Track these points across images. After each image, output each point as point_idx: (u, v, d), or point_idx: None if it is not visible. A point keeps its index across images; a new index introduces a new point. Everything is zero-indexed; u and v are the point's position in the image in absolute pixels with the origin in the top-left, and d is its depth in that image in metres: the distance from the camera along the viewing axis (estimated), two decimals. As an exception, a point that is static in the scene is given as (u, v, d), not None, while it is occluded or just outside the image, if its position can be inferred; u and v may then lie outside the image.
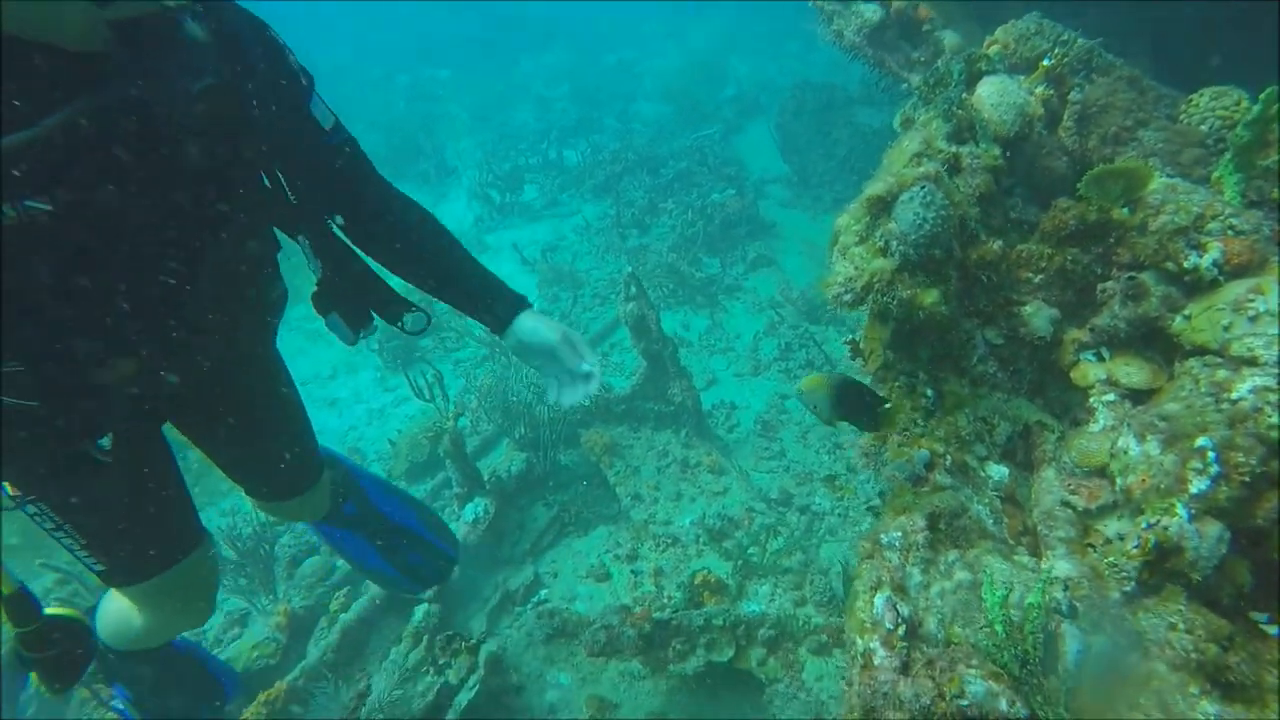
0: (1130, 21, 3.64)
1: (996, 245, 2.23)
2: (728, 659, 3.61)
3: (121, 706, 2.72)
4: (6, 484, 1.73)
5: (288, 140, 1.79)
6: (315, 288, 2.04)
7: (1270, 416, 1.86)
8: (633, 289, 4.97)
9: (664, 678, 3.89)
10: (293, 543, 4.86)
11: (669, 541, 4.28)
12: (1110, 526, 2.00)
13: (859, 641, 1.68)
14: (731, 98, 12.27)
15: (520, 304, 2.03)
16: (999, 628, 1.55)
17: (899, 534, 1.85)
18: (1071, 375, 2.27)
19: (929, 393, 2.25)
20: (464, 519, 4.62)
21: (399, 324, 2.05)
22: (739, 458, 5.08)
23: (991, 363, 2.37)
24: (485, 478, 4.79)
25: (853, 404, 2.01)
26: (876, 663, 1.61)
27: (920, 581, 1.81)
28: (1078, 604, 1.86)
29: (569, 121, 12.03)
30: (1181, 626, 1.74)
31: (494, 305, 2.02)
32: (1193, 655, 1.71)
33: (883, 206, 2.04)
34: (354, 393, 6.65)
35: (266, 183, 1.82)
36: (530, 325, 1.99)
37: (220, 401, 2.13)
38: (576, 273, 7.45)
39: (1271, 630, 1.85)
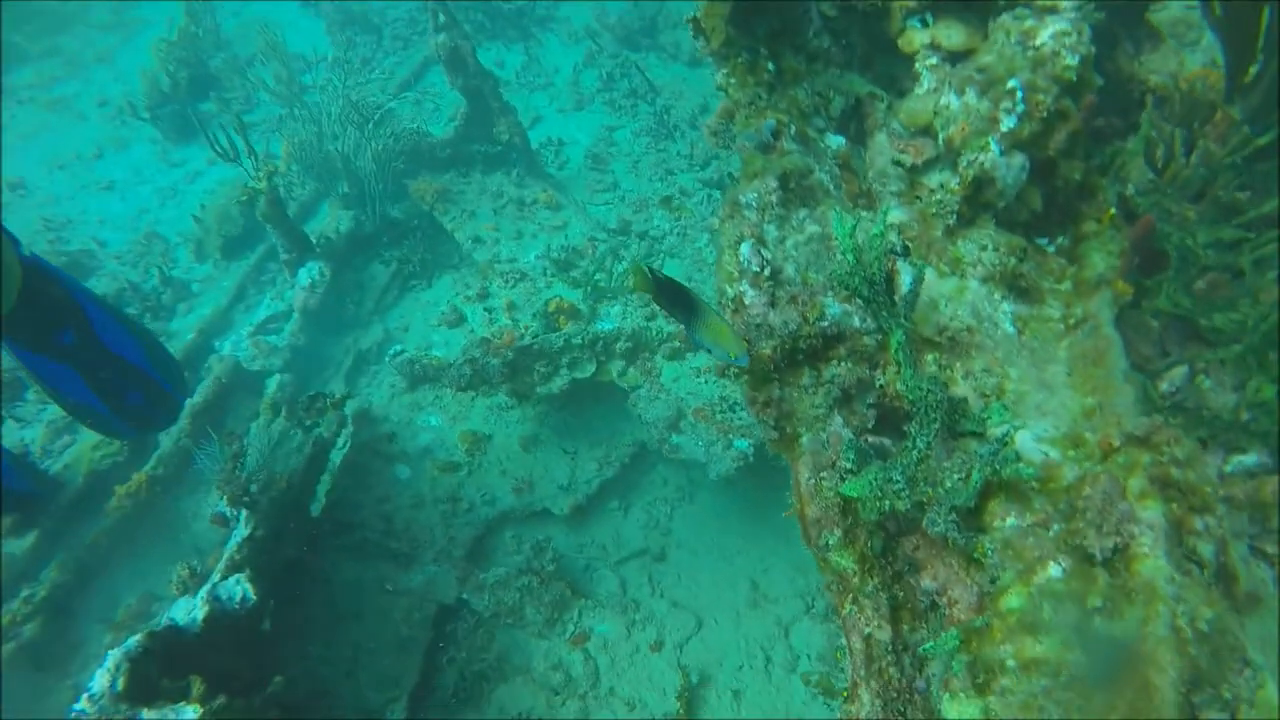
0: None
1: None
2: (590, 374, 3.84)
3: None
4: None
5: None
6: None
7: (1066, 59, 2.07)
8: (440, 18, 4.51)
9: (531, 404, 4.10)
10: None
11: (517, 277, 4.31)
12: (934, 178, 2.22)
13: (729, 290, 1.82)
14: None
15: None
16: (849, 256, 1.73)
17: (755, 194, 1.96)
18: (899, 43, 2.36)
19: (770, 66, 2.29)
20: (299, 284, 4.38)
21: None
22: (574, 192, 5.05)
23: (825, 36, 2.42)
24: (314, 241, 4.51)
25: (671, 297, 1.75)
26: (748, 302, 1.78)
27: (777, 236, 1.96)
28: (909, 243, 2.10)
29: None
30: (990, 246, 2.02)
31: None
32: (996, 268, 2.01)
33: None
34: (133, 171, 5.83)
35: None
36: None
37: None
38: (369, 12, 6.61)
39: (1050, 249, 2.20)
